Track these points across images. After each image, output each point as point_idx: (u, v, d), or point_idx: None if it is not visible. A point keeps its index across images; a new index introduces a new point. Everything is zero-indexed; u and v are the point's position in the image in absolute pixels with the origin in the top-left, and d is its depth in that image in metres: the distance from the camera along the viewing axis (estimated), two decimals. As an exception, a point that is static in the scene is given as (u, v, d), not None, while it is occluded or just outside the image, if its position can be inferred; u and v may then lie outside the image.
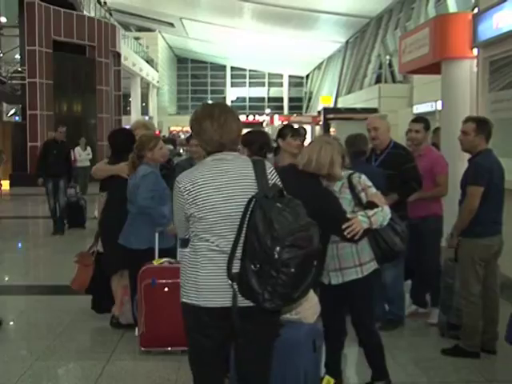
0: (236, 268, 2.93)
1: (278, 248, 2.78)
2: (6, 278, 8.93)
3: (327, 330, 4.21)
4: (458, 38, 9.10)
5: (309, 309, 3.64)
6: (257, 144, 5.27)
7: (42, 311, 6.81)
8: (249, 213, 2.93)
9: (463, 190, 5.24)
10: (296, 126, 7.25)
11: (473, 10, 9.15)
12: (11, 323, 6.42)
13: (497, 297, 5.33)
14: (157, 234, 5.40)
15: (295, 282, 2.84)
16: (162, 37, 57.72)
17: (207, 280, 3.01)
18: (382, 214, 4.01)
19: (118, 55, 27.87)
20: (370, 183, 4.29)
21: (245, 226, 2.94)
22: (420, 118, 6.73)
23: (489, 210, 5.08)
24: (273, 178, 3.09)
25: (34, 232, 14.09)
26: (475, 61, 8.62)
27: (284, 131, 5.57)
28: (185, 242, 3.15)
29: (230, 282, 2.93)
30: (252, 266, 2.83)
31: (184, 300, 3.10)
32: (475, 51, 8.50)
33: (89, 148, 17.82)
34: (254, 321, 3.02)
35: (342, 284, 4.29)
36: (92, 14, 27.68)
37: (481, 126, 5.20)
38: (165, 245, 5.49)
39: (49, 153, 12.25)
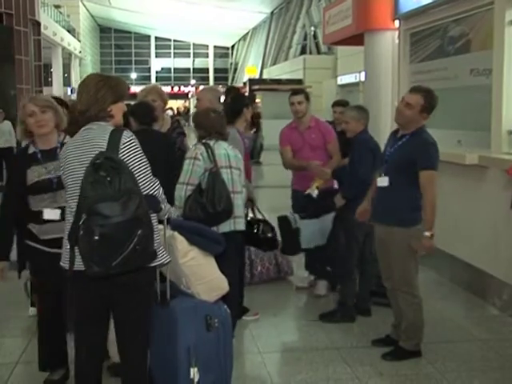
0: None
1: (83, 215, 2.88)
2: None
3: None
4: (380, 9, 9.21)
5: (200, 284, 3.62)
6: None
7: None
8: None
9: (394, 172, 4.60)
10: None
11: (394, -19, 9.25)
12: None
13: None
14: None
15: (109, 250, 2.87)
16: (84, 5, 56.16)
17: (66, 244, 3.15)
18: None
19: (38, 24, 26.86)
20: (190, 155, 4.54)
21: None
22: (299, 90, 6.54)
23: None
24: (125, 147, 3.07)
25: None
26: (397, 32, 8.75)
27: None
28: None
29: (68, 246, 3.07)
30: (81, 232, 2.91)
31: (60, 263, 3.25)
32: (397, 23, 8.63)
33: (6, 121, 15.74)
34: (107, 285, 3.11)
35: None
36: (9, -19, 26.62)
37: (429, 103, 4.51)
38: None
39: None
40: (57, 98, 6.57)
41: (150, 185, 3.12)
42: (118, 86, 3.25)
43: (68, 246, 3.09)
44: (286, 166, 6.39)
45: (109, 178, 2.89)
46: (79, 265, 3.03)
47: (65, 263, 3.19)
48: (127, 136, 3.09)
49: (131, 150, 3.08)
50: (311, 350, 4.89)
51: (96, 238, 2.82)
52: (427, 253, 4.57)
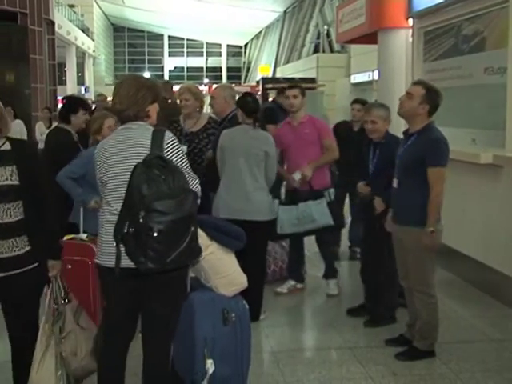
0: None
1: (142, 212, 2.92)
2: None
3: None
4: (394, 7, 9.19)
5: (219, 278, 3.63)
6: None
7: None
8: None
9: (404, 171, 4.56)
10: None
11: (408, -20, 9.22)
12: None
13: None
14: (81, 209, 5.01)
15: (165, 247, 2.95)
16: (98, 5, 56.35)
17: (107, 242, 3.18)
18: None
19: (52, 23, 26.94)
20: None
21: None
22: (295, 85, 6.28)
23: None
24: (169, 147, 3.17)
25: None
26: (410, 31, 8.73)
27: None
28: None
29: (114, 243, 3.09)
30: (131, 229, 2.97)
31: (95, 260, 3.32)
32: (410, 21, 8.60)
33: (17, 121, 14.43)
34: (148, 281, 3.17)
35: None
36: (23, -20, 26.74)
37: (429, 94, 4.45)
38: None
39: None
40: (81, 99, 6.53)
41: (191, 182, 3.21)
42: (154, 86, 3.37)
43: (113, 244, 3.11)
44: None
45: (163, 177, 2.99)
46: (125, 262, 3.08)
47: (104, 261, 3.22)
48: (169, 136, 3.21)
49: (175, 149, 3.20)
50: (324, 350, 4.89)
51: (155, 234, 2.90)
52: (429, 249, 4.48)
